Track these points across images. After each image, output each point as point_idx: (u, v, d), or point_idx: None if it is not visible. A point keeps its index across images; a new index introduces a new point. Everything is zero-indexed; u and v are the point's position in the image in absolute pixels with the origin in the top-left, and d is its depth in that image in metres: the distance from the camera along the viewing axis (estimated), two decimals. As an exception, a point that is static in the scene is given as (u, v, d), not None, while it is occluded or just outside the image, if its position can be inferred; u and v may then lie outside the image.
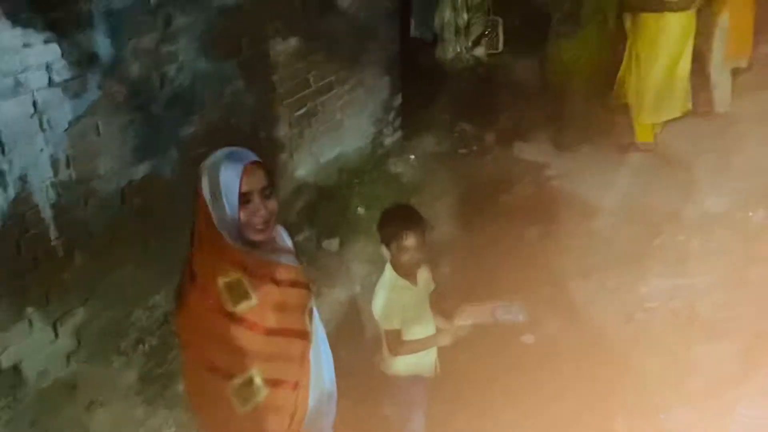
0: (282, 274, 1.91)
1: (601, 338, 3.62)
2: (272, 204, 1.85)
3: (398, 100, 5.21)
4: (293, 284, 1.94)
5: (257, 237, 1.83)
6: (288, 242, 2.05)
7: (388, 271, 2.60)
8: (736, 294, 3.75)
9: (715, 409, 3.02)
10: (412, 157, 5.31)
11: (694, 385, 3.23)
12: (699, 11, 5.01)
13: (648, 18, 5.00)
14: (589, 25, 5.07)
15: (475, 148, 5.61)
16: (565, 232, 4.45)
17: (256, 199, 1.81)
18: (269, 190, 1.85)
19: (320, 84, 4.32)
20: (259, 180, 1.82)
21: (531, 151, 5.49)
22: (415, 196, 4.72)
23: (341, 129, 4.67)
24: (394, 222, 2.55)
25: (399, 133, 5.33)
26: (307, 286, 2.02)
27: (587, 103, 5.41)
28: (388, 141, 5.22)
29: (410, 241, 2.49)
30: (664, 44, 5.00)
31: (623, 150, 5.30)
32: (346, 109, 4.64)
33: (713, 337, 3.52)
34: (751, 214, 4.36)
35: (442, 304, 2.81)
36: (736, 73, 5.58)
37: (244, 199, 1.79)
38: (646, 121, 5.23)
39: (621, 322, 3.74)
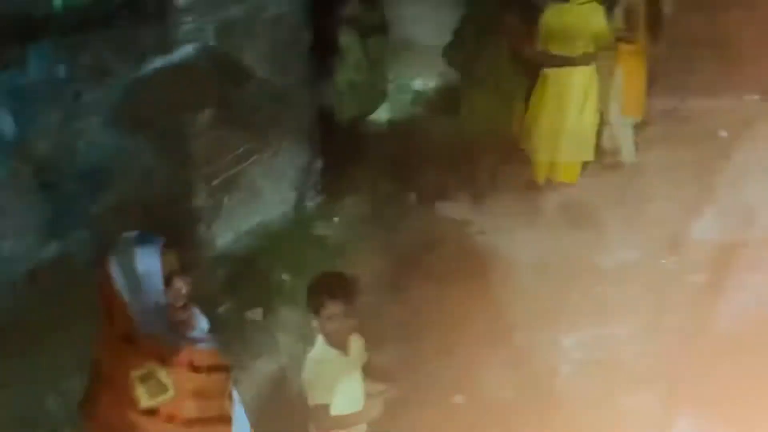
0: (200, 360, 1.85)
1: (530, 394, 3.65)
2: (189, 281, 1.84)
3: (318, 164, 5.23)
4: (212, 369, 1.88)
5: (182, 316, 1.81)
6: (204, 324, 1.99)
7: (318, 342, 2.55)
8: (654, 341, 3.87)
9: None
10: (336, 219, 5.31)
11: (621, 435, 3.28)
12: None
13: (551, 72, 5.30)
14: (491, 82, 5.31)
15: (397, 207, 5.66)
16: (490, 289, 4.50)
17: (177, 280, 1.80)
18: (184, 268, 1.84)
19: (237, 152, 4.29)
20: (174, 259, 1.82)
21: (453, 209, 5.57)
22: (340, 259, 4.69)
23: (261, 196, 4.63)
24: (321, 290, 2.51)
25: (321, 197, 5.33)
26: (227, 369, 1.96)
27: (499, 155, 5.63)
28: (310, 205, 5.21)
29: (338, 308, 2.46)
30: (567, 96, 5.30)
31: (536, 188, 5.55)
32: (265, 176, 4.62)
33: (637, 385, 3.60)
34: (663, 261, 4.54)
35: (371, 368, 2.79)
36: (639, 126, 5.89)
37: (166, 281, 1.77)
38: (543, 160, 5.49)
39: (547, 377, 3.78)
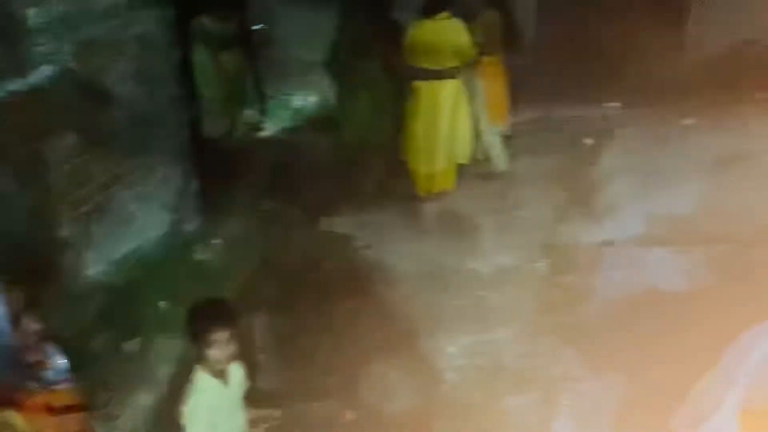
0: (57, 401, 1.75)
1: (419, 404, 3.69)
2: (38, 319, 1.74)
3: (194, 186, 5.07)
4: (70, 409, 1.78)
5: (35, 357, 1.70)
6: (61, 362, 1.88)
7: (198, 372, 2.46)
8: (533, 342, 4.01)
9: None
10: (216, 241, 5.16)
11: (505, 437, 3.37)
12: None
13: (422, 86, 5.45)
14: (366, 95, 5.39)
15: (281, 225, 5.59)
16: (375, 302, 4.52)
17: (24, 319, 1.69)
18: (34, 304, 1.73)
19: (105, 178, 4.10)
20: (20, 298, 1.71)
21: (337, 224, 5.57)
22: (222, 283, 4.57)
23: (135, 222, 4.44)
24: (201, 317, 2.44)
25: (199, 219, 5.17)
26: (85, 408, 1.86)
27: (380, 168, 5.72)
28: (188, 228, 5.04)
29: (219, 336, 2.39)
30: (438, 108, 5.47)
31: (417, 200, 5.66)
32: (137, 200, 4.43)
33: (519, 387, 3.72)
34: (537, 264, 4.72)
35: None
36: (508, 136, 6.13)
37: (14, 321, 1.66)
38: (421, 170, 5.62)
39: (435, 385, 3.83)
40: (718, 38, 6.77)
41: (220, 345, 2.41)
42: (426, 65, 5.41)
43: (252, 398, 2.73)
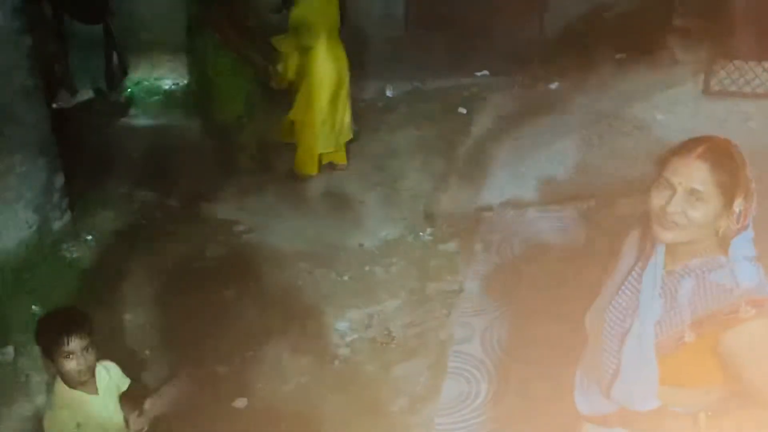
0: None
1: (313, 384, 3.69)
2: None
3: (60, 180, 4.79)
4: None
5: None
6: None
7: (57, 386, 2.34)
8: (420, 311, 4.10)
9: (418, 425, 3.24)
10: (89, 237, 4.92)
11: (397, 405, 3.43)
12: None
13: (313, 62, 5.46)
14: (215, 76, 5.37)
15: (158, 215, 5.40)
16: (263, 286, 4.46)
17: None
18: None
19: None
20: None
21: (218, 210, 5.44)
22: (97, 281, 4.38)
23: (-5, 223, 4.15)
24: (51, 330, 2.31)
25: (68, 215, 4.89)
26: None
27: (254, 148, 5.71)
28: (57, 226, 4.76)
29: (74, 345, 2.27)
30: (330, 85, 5.50)
31: (295, 179, 5.67)
32: (-3, 200, 4.14)
33: (408, 355, 3.80)
34: (421, 234, 4.82)
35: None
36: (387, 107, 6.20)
37: None
38: (320, 151, 5.62)
39: (328, 363, 3.85)
40: (575, 3, 7.09)
41: (77, 356, 2.30)
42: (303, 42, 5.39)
43: (137, 395, 2.65)
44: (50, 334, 2.30)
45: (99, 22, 6.49)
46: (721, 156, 1.68)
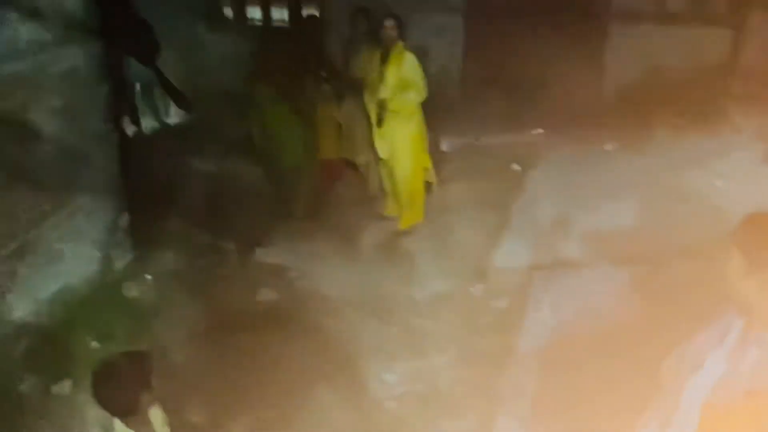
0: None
1: (359, 433, 3.70)
2: None
3: (125, 220, 4.98)
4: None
5: None
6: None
7: (115, 423, 2.40)
8: (468, 368, 4.08)
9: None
10: (149, 277, 5.07)
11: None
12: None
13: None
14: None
15: (215, 258, 5.54)
16: (312, 333, 4.52)
17: None
18: None
19: (31, 216, 3.98)
20: None
21: (272, 255, 5.56)
22: (154, 320, 4.49)
23: (62, 260, 4.32)
24: (108, 380, 2.35)
25: (130, 255, 5.07)
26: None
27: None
28: (119, 264, 4.93)
29: (134, 394, 2.34)
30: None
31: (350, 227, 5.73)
32: (65, 238, 4.32)
33: (455, 413, 3.78)
34: (471, 289, 4.82)
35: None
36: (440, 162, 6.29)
37: None
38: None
39: (375, 413, 3.85)
40: (633, 66, 7.13)
41: (137, 401, 2.36)
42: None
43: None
44: (107, 384, 2.34)
45: (148, 63, 6.75)
46: None
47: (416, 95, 5.30)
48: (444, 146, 6.92)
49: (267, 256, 5.53)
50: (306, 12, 8.28)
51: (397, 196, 5.66)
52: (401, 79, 5.27)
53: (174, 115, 7.21)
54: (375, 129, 5.54)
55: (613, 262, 4.80)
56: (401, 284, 4.95)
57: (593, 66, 7.42)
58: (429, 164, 5.75)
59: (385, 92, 5.33)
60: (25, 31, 3.88)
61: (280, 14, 8.69)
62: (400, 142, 5.46)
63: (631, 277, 4.63)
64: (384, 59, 5.35)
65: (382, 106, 5.37)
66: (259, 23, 8.72)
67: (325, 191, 6.17)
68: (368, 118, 5.64)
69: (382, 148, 5.54)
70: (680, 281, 4.34)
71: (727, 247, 1.77)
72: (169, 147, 7.06)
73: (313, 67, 5.92)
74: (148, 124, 7.26)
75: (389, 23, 5.28)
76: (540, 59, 7.18)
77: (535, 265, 4.93)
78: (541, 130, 7.03)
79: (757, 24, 6.46)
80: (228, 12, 8.90)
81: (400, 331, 4.49)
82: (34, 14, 3.95)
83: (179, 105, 6.97)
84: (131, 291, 4.81)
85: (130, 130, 6.64)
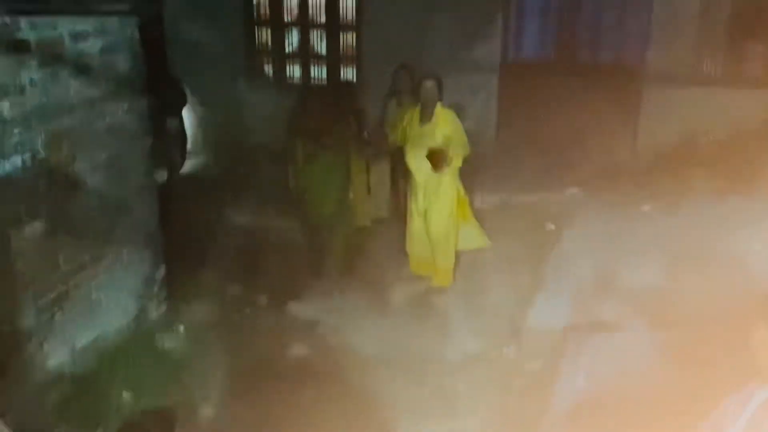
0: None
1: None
2: None
3: (161, 272, 5.06)
4: None
5: None
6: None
7: None
8: (501, 430, 4.00)
9: None
10: (182, 328, 5.11)
11: None
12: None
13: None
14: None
15: (248, 311, 5.57)
16: (342, 390, 4.48)
17: None
18: None
19: (71, 265, 4.08)
20: None
21: (304, 309, 5.57)
22: (185, 372, 4.51)
23: (99, 309, 4.39)
24: None
25: (165, 306, 5.13)
26: None
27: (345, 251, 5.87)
28: (153, 315, 4.99)
29: None
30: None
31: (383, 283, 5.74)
32: (102, 288, 4.40)
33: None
34: (504, 350, 4.75)
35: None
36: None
37: None
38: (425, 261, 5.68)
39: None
40: (670, 127, 7.12)
41: None
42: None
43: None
44: None
45: (176, 114, 6.91)
46: None
47: (462, 150, 5.35)
48: (478, 204, 6.92)
49: (300, 310, 5.55)
50: (344, 70, 8.51)
51: (432, 253, 5.64)
52: (446, 137, 5.31)
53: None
54: (417, 185, 5.55)
55: (648, 325, 4.69)
56: (434, 343, 4.91)
57: (628, 126, 7.44)
58: (476, 226, 5.77)
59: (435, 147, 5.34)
60: (76, 87, 4.04)
61: (318, 72, 8.89)
62: (441, 199, 5.47)
63: (664, 341, 4.50)
64: (423, 118, 5.42)
65: (437, 158, 5.31)
66: (299, 81, 8.94)
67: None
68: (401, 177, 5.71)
69: (419, 205, 5.55)
70: (713, 347, 4.22)
71: (756, 316, 1.76)
72: (207, 200, 7.20)
73: (354, 126, 6.01)
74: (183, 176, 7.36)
75: (429, 83, 5.36)
76: (574, 118, 7.23)
77: (569, 327, 4.84)
78: (576, 189, 7.00)
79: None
80: (268, 69, 9.16)
81: (432, 391, 4.43)
82: (85, 71, 4.12)
83: (175, 154, 7.02)
84: (164, 342, 4.85)
85: (162, 177, 6.76)
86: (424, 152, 5.34)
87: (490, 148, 7.55)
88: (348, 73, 8.71)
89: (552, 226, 6.34)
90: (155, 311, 5.02)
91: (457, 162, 5.38)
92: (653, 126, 7.34)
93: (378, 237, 6.48)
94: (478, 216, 6.03)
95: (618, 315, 4.89)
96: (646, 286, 5.10)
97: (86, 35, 4.09)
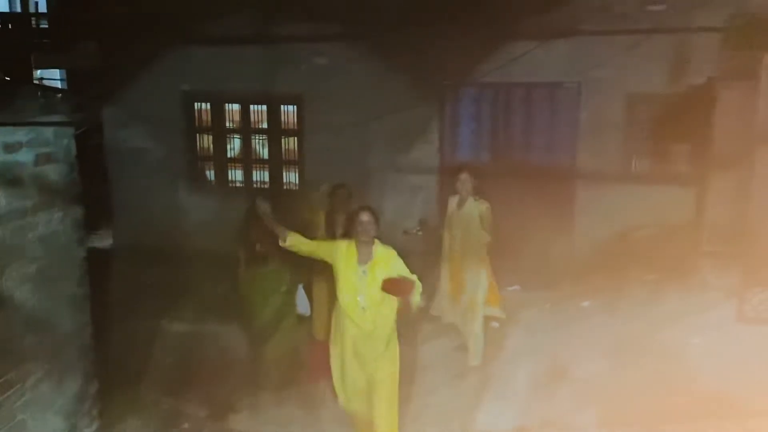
0: None
1: None
2: None
3: (94, 387, 4.80)
4: None
5: None
6: None
7: None
8: None
9: None
10: (114, 448, 4.83)
11: None
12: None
13: None
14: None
15: (186, 426, 5.32)
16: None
17: None
18: None
19: (-6, 386, 3.84)
20: None
21: (245, 422, 5.34)
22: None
23: (24, 431, 4.11)
24: None
25: (97, 423, 4.83)
26: None
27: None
28: (84, 434, 4.70)
29: None
30: None
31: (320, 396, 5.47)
32: (28, 407, 4.12)
33: None
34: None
35: None
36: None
37: None
38: None
39: None
40: (603, 224, 7.35)
41: None
42: None
43: None
44: None
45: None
46: None
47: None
48: (421, 302, 6.90)
49: (240, 422, 5.32)
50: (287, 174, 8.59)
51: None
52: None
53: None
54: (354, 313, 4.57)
55: (593, 425, 4.68)
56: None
57: (564, 225, 7.65)
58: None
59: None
60: (7, 199, 3.93)
61: (260, 176, 8.96)
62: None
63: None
64: (361, 257, 4.50)
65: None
66: (241, 185, 8.97)
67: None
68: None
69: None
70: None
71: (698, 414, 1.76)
72: (143, 308, 6.98)
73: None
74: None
75: (365, 217, 4.46)
76: (512, 217, 7.39)
77: (518, 427, 4.78)
78: (517, 287, 7.08)
79: (717, 183, 6.74)
80: (209, 174, 9.17)
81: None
82: (17, 183, 4.03)
83: None
84: (95, 464, 4.55)
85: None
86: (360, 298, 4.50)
87: (433, 245, 7.62)
88: (291, 177, 8.82)
89: (496, 324, 6.35)
90: (87, 429, 4.73)
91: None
92: (588, 223, 7.57)
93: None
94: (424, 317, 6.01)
95: (566, 416, 4.87)
96: (591, 385, 5.11)
97: (19, 146, 4.03)
